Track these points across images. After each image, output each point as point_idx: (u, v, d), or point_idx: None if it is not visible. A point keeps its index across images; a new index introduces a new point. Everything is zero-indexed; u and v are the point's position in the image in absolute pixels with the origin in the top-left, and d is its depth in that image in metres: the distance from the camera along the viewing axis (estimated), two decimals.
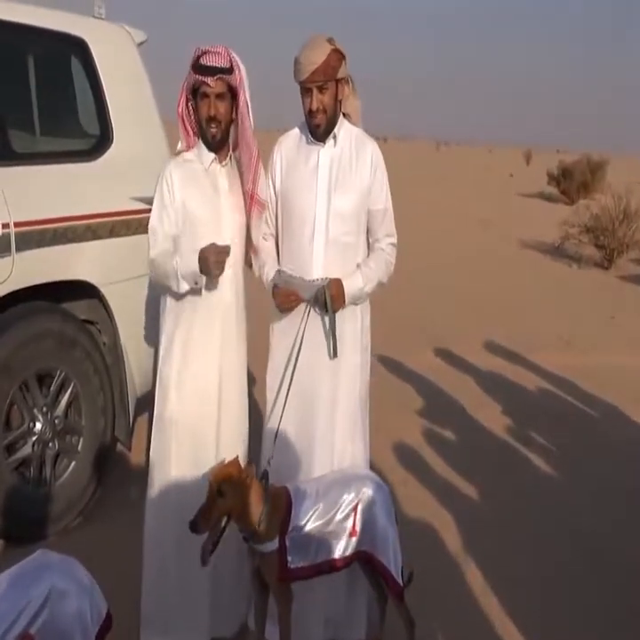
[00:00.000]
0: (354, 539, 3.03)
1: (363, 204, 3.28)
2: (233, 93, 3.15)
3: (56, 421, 4.20)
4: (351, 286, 3.22)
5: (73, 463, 4.30)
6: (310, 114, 3.17)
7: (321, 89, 3.12)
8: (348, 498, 3.04)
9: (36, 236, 3.94)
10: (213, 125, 3.15)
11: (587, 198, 24.93)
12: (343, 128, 3.28)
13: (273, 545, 2.93)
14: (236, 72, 3.10)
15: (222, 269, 3.10)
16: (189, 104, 3.22)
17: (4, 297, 3.84)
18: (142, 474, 3.42)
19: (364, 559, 3.10)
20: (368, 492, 3.08)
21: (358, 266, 3.30)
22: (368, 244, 3.39)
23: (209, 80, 3.07)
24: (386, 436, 5.54)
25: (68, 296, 4.32)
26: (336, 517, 3.02)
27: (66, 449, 4.28)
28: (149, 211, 3.26)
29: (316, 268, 3.22)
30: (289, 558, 2.94)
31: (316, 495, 3.04)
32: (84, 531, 4.22)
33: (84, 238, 4.20)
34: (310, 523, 2.98)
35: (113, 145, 4.50)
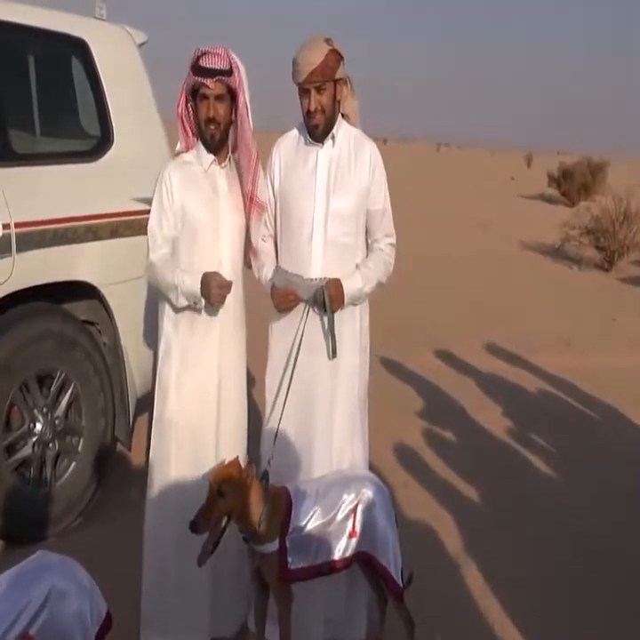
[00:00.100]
0: (354, 540, 3.03)
1: (361, 205, 3.28)
2: (232, 95, 3.14)
3: (56, 422, 4.20)
4: (350, 286, 3.22)
5: (73, 464, 4.30)
6: (308, 114, 3.17)
7: (319, 89, 3.12)
8: (347, 499, 3.04)
9: (37, 236, 3.94)
10: (212, 127, 3.15)
11: (587, 200, 24.93)
12: (341, 129, 3.28)
13: (273, 546, 2.93)
14: (236, 73, 3.10)
15: (223, 302, 3.12)
16: (189, 105, 3.21)
17: (5, 298, 3.84)
18: (142, 474, 3.42)
19: (363, 560, 3.10)
20: (368, 493, 3.08)
21: (357, 266, 3.30)
22: (367, 244, 3.39)
23: (208, 82, 3.06)
24: (386, 438, 5.54)
25: (69, 297, 4.32)
26: (336, 518, 3.02)
27: (66, 449, 4.27)
28: (150, 212, 3.26)
29: (315, 268, 3.22)
30: (289, 559, 2.94)
31: (315, 496, 3.04)
32: (85, 531, 4.22)
33: (85, 239, 4.20)
34: (310, 523, 2.98)
35: (113, 146, 4.50)
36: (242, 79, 3.12)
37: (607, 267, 14.29)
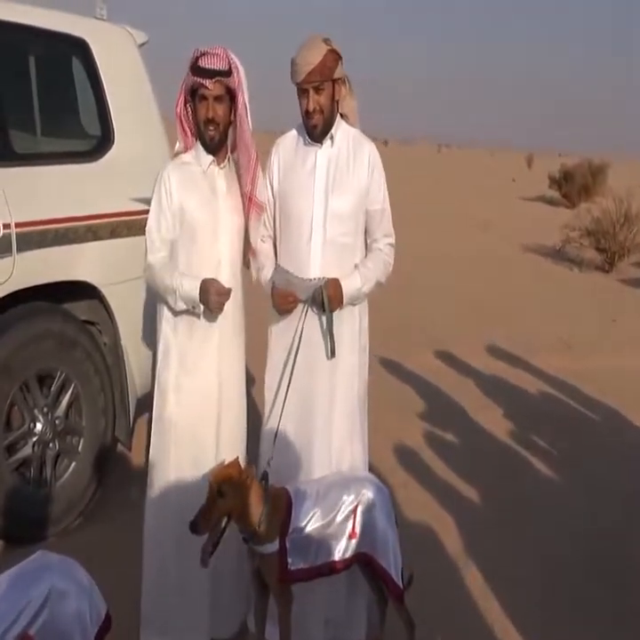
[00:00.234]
0: (354, 541, 3.03)
1: (360, 205, 3.28)
2: (231, 95, 3.13)
3: (56, 422, 4.20)
4: (349, 286, 3.22)
5: (73, 464, 4.30)
6: (307, 115, 3.17)
7: (317, 89, 3.12)
8: (347, 500, 3.04)
9: (37, 236, 3.94)
10: (211, 127, 3.14)
11: (588, 202, 24.94)
12: (340, 129, 3.28)
13: (273, 546, 2.93)
14: (235, 74, 3.09)
15: (222, 309, 3.12)
16: (188, 105, 3.20)
17: (5, 297, 3.84)
18: (143, 474, 3.42)
19: (363, 561, 3.10)
20: (368, 494, 3.08)
21: (356, 266, 3.30)
22: (366, 244, 3.39)
23: (207, 82, 3.05)
24: (385, 438, 5.54)
25: (69, 297, 4.32)
26: (336, 519, 3.02)
27: (66, 449, 4.27)
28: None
29: (314, 268, 3.22)
30: (289, 560, 2.93)
31: (316, 497, 3.04)
32: (85, 531, 4.22)
33: (85, 239, 4.20)
34: (310, 524, 2.98)
35: (114, 146, 4.50)
36: (241, 80, 3.11)
37: (608, 268, 14.29)
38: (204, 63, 3.05)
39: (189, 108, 3.21)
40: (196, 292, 3.07)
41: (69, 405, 4.28)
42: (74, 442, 4.34)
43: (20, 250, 3.84)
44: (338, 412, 3.31)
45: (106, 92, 4.49)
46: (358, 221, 3.31)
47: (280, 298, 3.24)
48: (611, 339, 9.36)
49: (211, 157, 3.22)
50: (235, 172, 3.29)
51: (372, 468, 3.57)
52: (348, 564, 3.05)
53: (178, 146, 3.31)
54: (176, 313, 3.21)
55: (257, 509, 2.90)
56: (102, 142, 4.51)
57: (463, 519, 4.59)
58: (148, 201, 3.27)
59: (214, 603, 3.28)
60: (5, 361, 3.87)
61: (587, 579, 4.06)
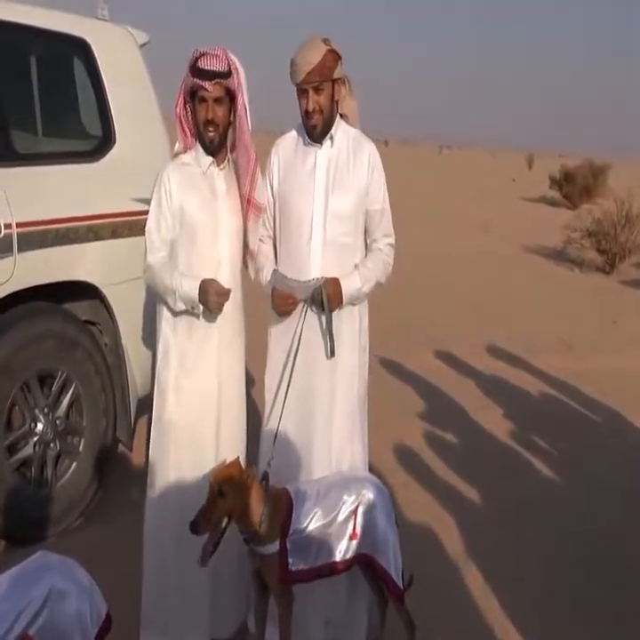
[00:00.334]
0: (354, 541, 3.03)
1: (360, 205, 3.28)
2: (231, 96, 3.13)
3: (57, 422, 4.20)
4: (349, 286, 3.22)
5: (74, 464, 4.30)
6: (307, 115, 3.17)
7: (317, 90, 3.12)
8: (348, 500, 3.04)
9: (38, 236, 3.94)
10: (211, 129, 3.14)
11: (589, 203, 24.95)
12: (340, 129, 3.28)
13: (274, 547, 2.93)
14: (235, 75, 3.08)
15: (221, 310, 3.12)
16: (187, 106, 3.20)
17: (6, 297, 3.84)
18: (143, 474, 3.42)
19: (364, 562, 3.10)
20: (368, 494, 3.08)
21: (356, 266, 3.30)
22: (366, 244, 3.39)
23: (206, 84, 3.04)
24: (386, 438, 5.54)
25: (70, 297, 4.32)
26: (336, 520, 3.01)
27: (67, 450, 4.28)
28: None
29: (314, 268, 3.22)
30: (290, 560, 2.93)
31: (316, 497, 3.04)
32: (85, 531, 4.22)
33: (86, 239, 4.20)
34: (311, 525, 2.98)
35: (115, 146, 4.50)
36: (240, 81, 3.10)
37: (608, 269, 14.29)
38: (204, 64, 3.04)
39: (189, 109, 3.20)
40: (195, 293, 3.07)
41: (70, 405, 4.28)
42: (74, 442, 4.34)
43: (21, 250, 3.84)
44: (338, 412, 3.31)
45: (107, 92, 4.49)
46: (358, 221, 3.31)
47: (280, 299, 3.24)
48: (611, 340, 9.36)
49: (210, 158, 3.22)
50: (234, 173, 3.29)
51: (372, 469, 3.57)
52: (348, 564, 3.05)
53: (177, 146, 3.31)
54: (176, 313, 3.21)
55: (257, 510, 2.90)
56: (103, 142, 4.51)
57: (463, 519, 4.59)
58: (149, 201, 3.27)
59: (214, 603, 3.28)
60: (6, 361, 3.87)
61: (587, 579, 4.07)
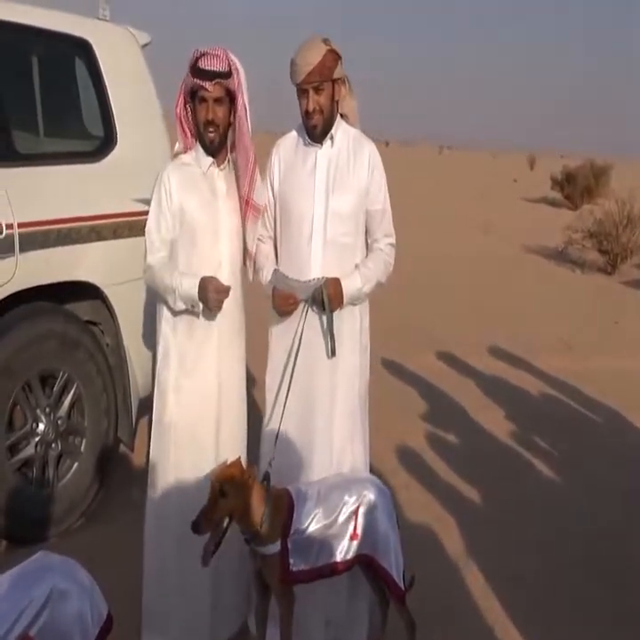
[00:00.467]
0: (355, 542, 3.03)
1: (361, 205, 3.28)
2: (231, 97, 3.12)
3: (59, 422, 4.20)
4: (349, 286, 3.23)
5: (76, 464, 4.31)
6: (307, 115, 3.17)
7: (317, 90, 3.12)
8: (349, 501, 3.04)
9: (40, 236, 3.94)
10: (211, 129, 3.13)
11: (590, 203, 24.93)
12: (340, 129, 3.28)
13: (275, 547, 2.93)
14: (235, 76, 3.07)
15: (220, 307, 3.12)
16: (187, 106, 3.20)
17: (8, 298, 3.84)
18: (145, 475, 3.43)
19: (365, 562, 3.10)
20: (369, 495, 3.08)
21: (357, 266, 3.30)
22: (366, 244, 3.39)
23: (207, 84, 3.04)
24: (387, 439, 5.54)
25: (72, 297, 4.32)
26: (337, 520, 3.02)
27: (68, 450, 4.28)
28: None
29: (314, 268, 3.22)
30: (291, 561, 2.93)
31: (317, 498, 3.04)
32: (86, 532, 4.22)
33: (88, 239, 4.20)
34: (312, 525, 2.98)
35: (117, 146, 4.51)
36: (241, 81, 3.10)
37: (610, 270, 14.28)
38: (204, 64, 3.04)
39: (189, 109, 3.20)
40: (194, 290, 3.07)
41: (72, 406, 4.28)
42: (76, 442, 4.34)
43: (22, 250, 3.85)
44: (339, 412, 3.31)
45: (108, 92, 4.49)
46: (359, 221, 3.31)
47: (281, 299, 3.24)
48: (612, 340, 9.36)
49: (210, 159, 3.22)
50: (234, 174, 3.29)
51: (373, 469, 3.57)
52: (349, 565, 3.05)
53: (177, 146, 3.31)
54: (176, 313, 3.21)
55: (259, 510, 2.90)
56: (105, 143, 4.51)
57: (464, 520, 4.59)
58: (150, 201, 3.28)
59: (215, 603, 3.28)
60: (8, 361, 3.87)
61: (587, 579, 4.07)
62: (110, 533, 4.18)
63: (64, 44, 4.41)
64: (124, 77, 4.62)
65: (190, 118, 3.21)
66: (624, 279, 13.76)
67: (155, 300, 3.39)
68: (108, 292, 4.33)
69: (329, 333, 3.22)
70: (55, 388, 4.19)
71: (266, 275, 3.34)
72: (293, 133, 3.36)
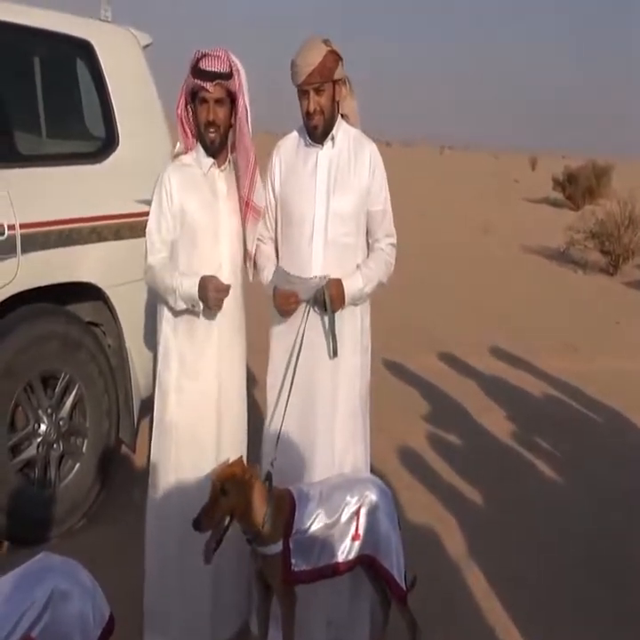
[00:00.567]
0: (357, 542, 3.03)
1: (362, 205, 3.28)
2: (232, 98, 3.13)
3: (61, 423, 4.20)
4: (351, 286, 3.23)
5: (77, 465, 4.31)
6: (308, 116, 3.17)
7: (318, 91, 3.13)
8: (351, 501, 3.04)
9: (42, 237, 3.95)
10: (212, 130, 3.14)
11: (592, 204, 24.92)
12: (341, 129, 3.28)
13: (277, 547, 2.93)
14: (236, 77, 3.08)
15: (220, 307, 3.12)
16: (188, 106, 3.20)
17: (9, 299, 3.84)
18: (146, 476, 3.43)
19: (367, 563, 3.10)
20: (371, 496, 3.08)
21: (358, 266, 3.30)
22: (367, 244, 3.39)
23: (208, 85, 3.04)
24: (388, 439, 5.55)
25: (73, 298, 4.32)
26: (339, 521, 3.02)
27: (70, 450, 4.28)
28: None
29: (316, 269, 3.22)
30: (293, 561, 2.94)
31: (319, 498, 3.04)
32: (88, 532, 4.23)
33: (89, 240, 4.21)
34: (314, 526, 2.98)
35: (118, 147, 4.51)
36: (242, 82, 3.10)
37: (612, 271, 14.28)
38: (205, 65, 3.04)
39: (190, 110, 3.20)
40: (195, 289, 3.07)
41: (73, 407, 4.28)
42: (78, 443, 4.34)
43: (24, 251, 3.85)
44: (340, 412, 3.31)
45: (110, 93, 4.50)
46: (360, 222, 3.31)
47: (282, 299, 3.24)
48: (614, 341, 9.35)
49: (211, 160, 3.22)
50: (235, 175, 3.29)
51: (374, 470, 3.57)
52: (351, 565, 3.05)
53: (178, 147, 3.31)
54: (176, 314, 3.22)
55: (260, 509, 2.90)
56: (106, 144, 4.51)
57: (465, 520, 4.59)
58: (151, 202, 3.28)
59: (216, 603, 3.29)
60: (10, 362, 3.88)
61: (588, 579, 4.07)
62: (112, 534, 4.18)
63: (66, 45, 4.42)
64: (126, 78, 4.62)
65: (191, 119, 3.21)
66: (626, 280, 13.76)
67: (155, 300, 3.39)
68: (109, 292, 4.33)
69: (331, 334, 3.22)
70: (57, 389, 4.19)
71: (267, 275, 3.34)
72: (294, 134, 3.37)
